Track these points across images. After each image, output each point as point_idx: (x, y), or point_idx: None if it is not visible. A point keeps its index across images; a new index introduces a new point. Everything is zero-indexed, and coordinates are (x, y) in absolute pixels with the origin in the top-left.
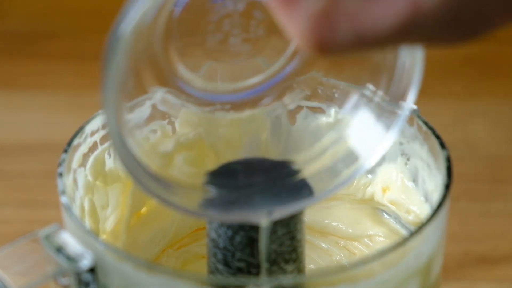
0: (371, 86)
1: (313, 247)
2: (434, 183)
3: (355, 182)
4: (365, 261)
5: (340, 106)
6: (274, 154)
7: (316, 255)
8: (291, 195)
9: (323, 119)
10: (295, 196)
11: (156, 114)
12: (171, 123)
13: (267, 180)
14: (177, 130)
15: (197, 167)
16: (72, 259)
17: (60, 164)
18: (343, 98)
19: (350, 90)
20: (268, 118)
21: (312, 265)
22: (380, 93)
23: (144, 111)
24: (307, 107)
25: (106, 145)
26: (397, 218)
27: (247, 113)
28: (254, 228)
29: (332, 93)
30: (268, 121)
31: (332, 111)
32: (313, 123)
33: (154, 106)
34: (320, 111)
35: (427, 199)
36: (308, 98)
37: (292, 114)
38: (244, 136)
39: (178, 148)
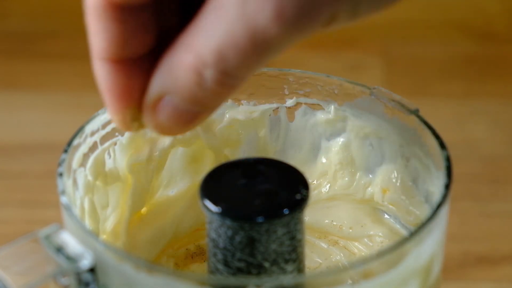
0: None
1: (313, 247)
2: (434, 183)
3: (355, 182)
4: (365, 261)
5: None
6: (272, 151)
7: (316, 255)
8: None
9: (322, 116)
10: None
11: None
12: None
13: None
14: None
15: (195, 164)
16: (72, 259)
17: (60, 164)
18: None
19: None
20: (266, 115)
21: (312, 265)
22: None
23: None
24: (306, 103)
25: (106, 145)
26: (397, 219)
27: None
28: (254, 228)
29: (332, 89)
30: (267, 118)
31: (331, 108)
32: (311, 120)
33: None
34: (319, 107)
35: (427, 199)
36: (307, 94)
37: (291, 110)
38: (242, 133)
39: (176, 143)
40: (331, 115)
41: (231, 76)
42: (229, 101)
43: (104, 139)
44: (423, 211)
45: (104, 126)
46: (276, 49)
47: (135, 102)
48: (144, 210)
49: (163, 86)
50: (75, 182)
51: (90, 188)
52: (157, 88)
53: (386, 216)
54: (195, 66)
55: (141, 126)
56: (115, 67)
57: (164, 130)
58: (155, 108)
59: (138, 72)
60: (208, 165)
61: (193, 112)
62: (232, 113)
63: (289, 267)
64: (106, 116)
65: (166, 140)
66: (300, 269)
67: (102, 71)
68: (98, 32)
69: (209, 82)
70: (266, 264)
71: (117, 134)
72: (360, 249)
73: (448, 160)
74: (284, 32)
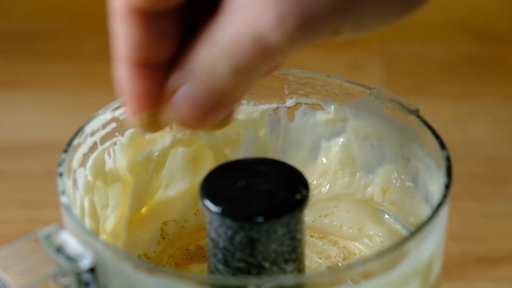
0: None
1: (313, 247)
2: (434, 183)
3: (355, 182)
4: (365, 261)
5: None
6: (272, 151)
7: (316, 255)
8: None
9: (322, 116)
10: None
11: None
12: None
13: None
14: (174, 126)
15: (195, 164)
16: (72, 259)
17: (60, 164)
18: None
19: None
20: (266, 115)
21: (312, 265)
22: None
23: None
24: (306, 103)
25: (106, 145)
26: (397, 219)
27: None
28: (254, 228)
29: (332, 89)
30: (267, 118)
31: (331, 108)
32: (311, 120)
33: None
34: (319, 108)
35: (427, 200)
36: (307, 94)
37: (291, 110)
38: (242, 133)
39: (176, 143)
40: (331, 115)
41: (241, 71)
42: None
43: (104, 139)
44: (423, 211)
45: (104, 126)
46: (280, 54)
47: (154, 106)
48: (144, 210)
49: (182, 74)
50: (75, 182)
51: (90, 188)
52: (176, 76)
53: (386, 216)
54: (210, 58)
55: (159, 127)
56: (137, 71)
57: (182, 120)
58: (174, 96)
59: (160, 77)
60: (208, 165)
61: (211, 102)
62: None
63: (289, 267)
64: (106, 116)
65: (166, 140)
66: (300, 269)
67: (123, 73)
68: (122, 35)
69: (222, 74)
70: (266, 264)
71: (117, 134)
72: (360, 249)
73: (448, 160)
74: (286, 40)
